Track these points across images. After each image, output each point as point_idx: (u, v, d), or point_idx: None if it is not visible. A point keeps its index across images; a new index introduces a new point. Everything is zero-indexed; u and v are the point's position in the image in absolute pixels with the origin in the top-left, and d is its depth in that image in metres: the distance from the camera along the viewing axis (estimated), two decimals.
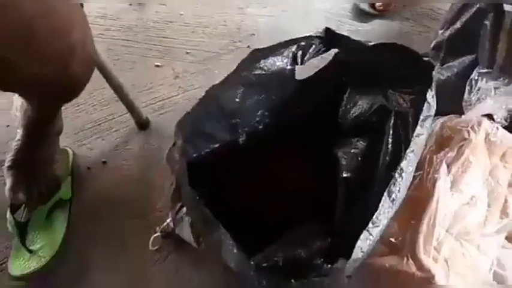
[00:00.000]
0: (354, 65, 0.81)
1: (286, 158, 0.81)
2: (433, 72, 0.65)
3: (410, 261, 0.74)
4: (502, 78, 0.85)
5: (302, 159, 0.82)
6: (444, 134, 0.86)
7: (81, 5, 0.74)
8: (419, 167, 0.85)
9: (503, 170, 0.86)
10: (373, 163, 0.68)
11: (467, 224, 0.77)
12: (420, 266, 0.71)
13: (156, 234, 0.96)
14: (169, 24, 1.55)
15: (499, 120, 0.86)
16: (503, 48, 0.98)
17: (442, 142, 0.86)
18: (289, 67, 0.78)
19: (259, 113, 0.80)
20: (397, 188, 0.57)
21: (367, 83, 0.78)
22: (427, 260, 0.71)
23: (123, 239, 1.00)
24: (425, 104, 0.62)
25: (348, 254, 0.52)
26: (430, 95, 0.63)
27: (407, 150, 0.59)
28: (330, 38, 0.78)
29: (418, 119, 0.60)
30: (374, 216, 0.53)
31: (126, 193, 1.08)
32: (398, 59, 0.72)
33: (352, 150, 0.74)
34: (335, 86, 0.82)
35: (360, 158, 0.72)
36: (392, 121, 0.70)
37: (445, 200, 0.75)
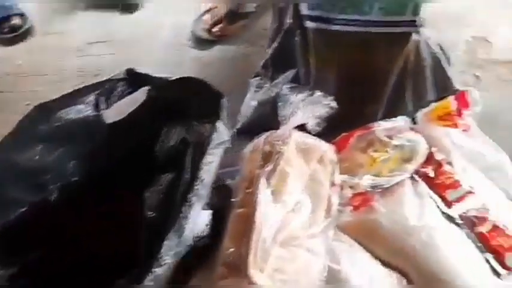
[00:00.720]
0: (163, 100, 0.84)
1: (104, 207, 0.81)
2: (222, 101, 0.69)
3: (245, 278, 0.77)
4: (308, 91, 0.94)
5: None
6: (266, 149, 0.91)
7: None
8: (249, 183, 0.90)
9: (322, 172, 0.93)
10: (173, 198, 0.70)
11: (293, 230, 0.83)
12: (250, 281, 0.74)
13: None
14: (7, 76, 1.46)
15: (311, 128, 0.94)
16: (313, 63, 1.08)
17: (265, 157, 0.92)
18: (93, 113, 0.77)
19: (71, 164, 0.79)
20: (188, 221, 0.59)
21: (177, 117, 0.81)
22: (255, 274, 0.74)
23: None
24: (215, 133, 0.66)
25: None
26: (220, 123, 0.67)
27: (196, 182, 0.62)
28: (133, 78, 0.80)
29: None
30: (159, 255, 0.55)
31: None
32: (196, 91, 0.76)
33: (159, 188, 0.75)
34: (152, 124, 0.84)
35: (162, 195, 0.74)
36: (190, 152, 0.73)
37: (268, 213, 0.80)
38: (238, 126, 1.25)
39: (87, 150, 0.80)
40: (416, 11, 1.02)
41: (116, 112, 0.81)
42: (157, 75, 0.79)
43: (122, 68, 1.51)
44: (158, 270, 0.55)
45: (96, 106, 0.78)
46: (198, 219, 0.74)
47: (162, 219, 0.63)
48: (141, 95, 0.83)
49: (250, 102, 1.20)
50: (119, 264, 0.60)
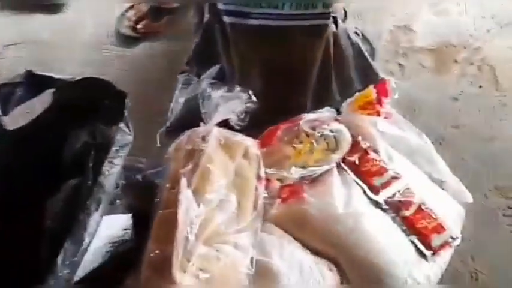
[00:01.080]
0: (68, 102, 0.79)
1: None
2: (126, 101, 0.66)
3: (168, 279, 0.74)
4: (228, 86, 0.92)
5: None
6: (188, 148, 0.89)
7: None
8: (174, 183, 0.87)
9: (248, 166, 0.92)
10: (73, 206, 0.66)
11: (218, 227, 0.81)
12: (173, 282, 0.71)
13: None
14: None
15: (235, 123, 0.92)
16: (235, 58, 1.06)
17: (188, 156, 0.89)
18: None
19: None
20: (86, 230, 0.56)
21: (83, 119, 0.77)
22: (178, 275, 0.72)
23: None
24: (118, 135, 0.62)
25: None
26: (123, 124, 0.64)
27: (95, 187, 0.58)
28: (32, 80, 0.75)
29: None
30: (57, 266, 0.51)
31: None
32: (100, 92, 0.72)
33: (61, 195, 0.71)
34: (59, 128, 0.79)
35: (62, 203, 0.70)
36: (92, 156, 0.70)
37: (190, 212, 0.78)
38: (169, 123, 1.21)
39: None
40: (327, 4, 1.03)
41: (17, 117, 0.76)
42: (58, 76, 0.74)
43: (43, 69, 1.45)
44: (54, 284, 0.52)
45: None
46: (113, 224, 0.70)
47: (62, 229, 0.59)
48: (46, 97, 0.78)
49: (178, 99, 1.17)
50: (18, 280, 0.56)
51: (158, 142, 1.26)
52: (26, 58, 1.46)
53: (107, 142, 0.67)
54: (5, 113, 0.73)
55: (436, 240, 0.94)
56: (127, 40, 1.51)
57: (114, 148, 0.62)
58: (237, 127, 0.93)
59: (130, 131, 0.67)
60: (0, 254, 0.65)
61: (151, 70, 1.41)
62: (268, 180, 0.97)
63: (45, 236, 0.63)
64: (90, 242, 0.57)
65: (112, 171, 0.62)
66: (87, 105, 0.72)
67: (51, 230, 0.63)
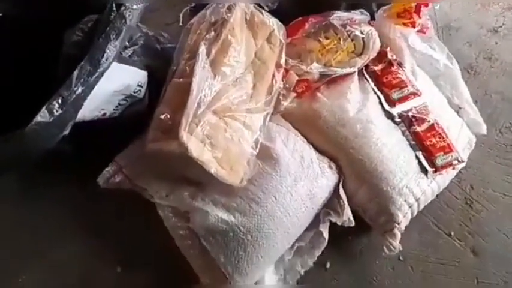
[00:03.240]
0: None
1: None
2: None
3: (175, 140, 0.76)
4: None
5: None
6: (211, 19, 0.86)
7: None
8: (192, 54, 0.86)
9: (269, 51, 0.90)
10: (93, 35, 0.65)
11: (230, 102, 0.81)
12: (180, 142, 0.73)
13: None
14: None
15: (264, 2, 0.88)
16: None
17: (210, 27, 0.87)
18: None
19: None
20: (104, 54, 0.55)
21: None
22: (185, 136, 0.73)
23: None
24: None
25: None
26: None
27: (117, 17, 0.57)
28: None
29: None
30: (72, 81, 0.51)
31: None
32: None
33: (80, 27, 0.70)
34: None
35: (82, 34, 0.69)
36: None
37: (204, 82, 0.77)
38: (194, 3, 1.17)
39: None
40: None
41: None
42: None
43: None
44: (67, 95, 0.53)
45: None
46: (129, 75, 0.70)
47: (80, 55, 0.59)
48: None
49: None
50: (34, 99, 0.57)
51: (181, 21, 1.22)
52: None
53: None
54: None
55: (440, 158, 0.94)
56: None
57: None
58: (266, 8, 0.90)
59: None
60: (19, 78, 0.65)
61: None
62: (287, 70, 0.95)
63: (64, 59, 0.64)
64: (106, 69, 0.57)
65: (135, 4, 0.60)
66: None
67: (69, 55, 0.63)
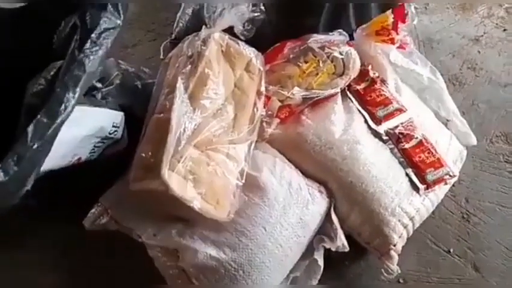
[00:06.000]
0: None
1: None
2: None
3: (157, 179, 0.74)
4: None
5: None
6: (188, 53, 0.86)
7: None
8: (171, 89, 0.85)
9: (249, 80, 0.90)
10: (54, 84, 0.64)
11: (211, 135, 0.80)
12: (162, 181, 0.71)
13: None
14: None
15: (240, 32, 0.88)
16: None
17: (187, 61, 0.86)
18: None
19: None
20: (61, 105, 0.53)
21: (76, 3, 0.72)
22: (166, 174, 0.72)
23: None
24: (104, 17, 0.59)
25: None
26: (112, 7, 0.60)
27: (75, 65, 0.56)
28: None
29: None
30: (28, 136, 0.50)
31: None
32: None
33: (44, 75, 0.69)
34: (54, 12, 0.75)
35: (45, 82, 0.67)
36: (76, 38, 0.66)
37: (185, 117, 0.76)
38: (174, 36, 1.17)
39: None
40: None
41: None
42: None
43: None
44: (22, 152, 0.51)
45: None
46: (101, 117, 0.69)
47: (42, 105, 0.58)
48: None
49: (186, 10, 1.11)
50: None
51: (162, 54, 1.22)
52: None
53: (95, 25, 0.64)
54: None
55: (431, 174, 0.93)
56: None
57: (99, 30, 0.59)
58: (242, 37, 0.89)
59: (119, 15, 0.63)
60: None
61: None
62: (268, 97, 0.94)
63: (25, 110, 0.62)
64: (65, 119, 0.56)
65: (95, 51, 0.59)
66: None
67: (30, 105, 0.62)
